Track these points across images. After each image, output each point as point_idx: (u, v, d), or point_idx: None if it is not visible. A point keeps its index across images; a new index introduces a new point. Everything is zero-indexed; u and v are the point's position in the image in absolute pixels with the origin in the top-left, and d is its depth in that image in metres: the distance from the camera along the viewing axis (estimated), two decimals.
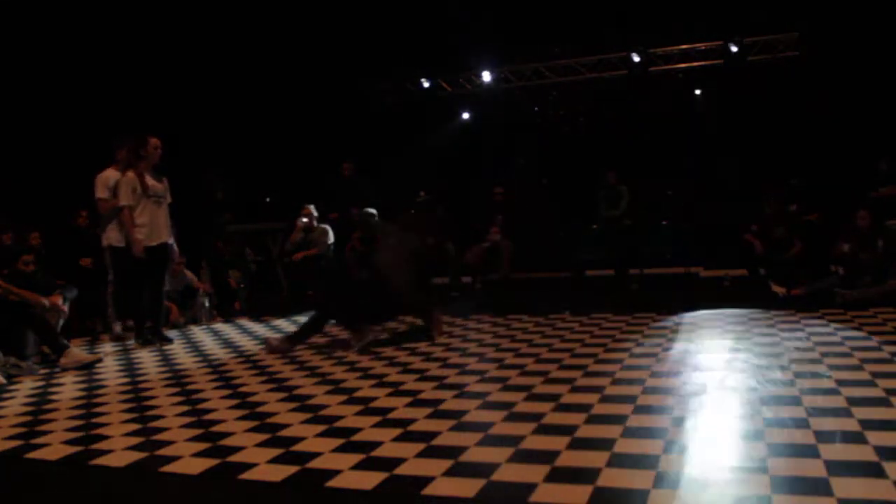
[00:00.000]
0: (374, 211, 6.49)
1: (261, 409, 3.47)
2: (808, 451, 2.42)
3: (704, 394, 3.31)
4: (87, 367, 4.86)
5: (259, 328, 6.56)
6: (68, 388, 4.27)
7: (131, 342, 5.98)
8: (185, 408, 3.59)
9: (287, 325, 6.55)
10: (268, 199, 11.46)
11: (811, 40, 9.49)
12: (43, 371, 4.83)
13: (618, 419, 2.91)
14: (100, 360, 5.07)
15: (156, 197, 5.82)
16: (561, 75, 11.21)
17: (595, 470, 2.36)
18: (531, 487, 2.25)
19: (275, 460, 2.68)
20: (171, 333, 6.20)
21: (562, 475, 2.35)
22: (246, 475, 2.55)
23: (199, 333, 6.44)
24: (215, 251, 8.20)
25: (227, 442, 2.94)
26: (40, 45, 8.32)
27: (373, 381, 3.94)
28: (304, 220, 7.83)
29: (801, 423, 2.72)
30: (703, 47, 10.36)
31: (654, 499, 2.12)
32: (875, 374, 3.42)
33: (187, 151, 7.73)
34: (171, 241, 6.01)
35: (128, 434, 3.16)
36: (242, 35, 9.45)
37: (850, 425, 2.67)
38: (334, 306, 5.22)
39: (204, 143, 9.30)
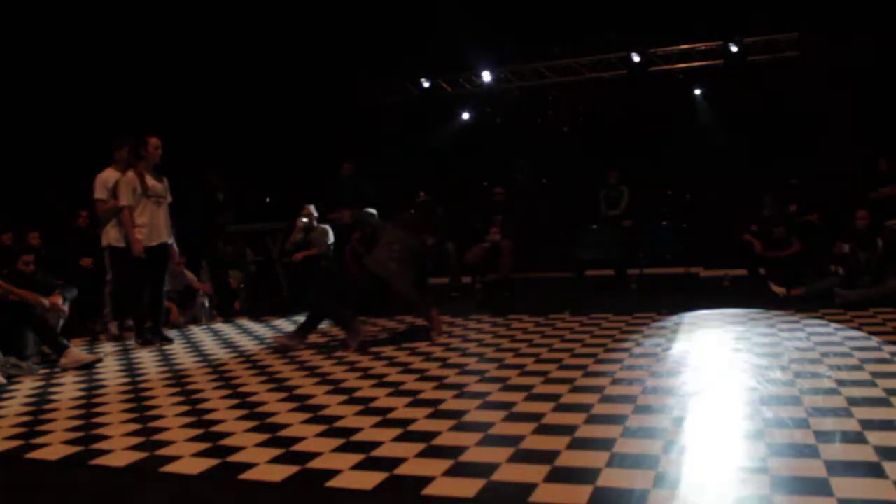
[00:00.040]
0: (374, 211, 6.50)
1: (261, 409, 3.47)
2: (808, 451, 2.42)
3: (704, 394, 3.31)
4: (87, 367, 4.86)
5: (259, 328, 6.56)
6: (68, 388, 4.27)
7: (131, 342, 5.98)
8: (185, 408, 3.59)
9: (287, 325, 6.55)
10: (268, 199, 11.46)
11: (811, 40, 9.49)
12: (43, 371, 4.83)
13: (618, 419, 2.91)
14: (100, 360, 5.07)
15: (156, 197, 5.82)
16: (561, 75, 11.21)
17: (595, 470, 2.36)
18: (531, 487, 2.25)
19: (275, 460, 2.68)
20: (171, 333, 6.20)
21: (562, 475, 2.35)
22: (246, 475, 2.55)
23: (199, 333, 6.44)
24: (215, 251, 8.20)
25: (227, 442, 2.94)
26: (41, 45, 8.32)
27: (373, 381, 3.94)
28: (304, 220, 7.84)
29: (801, 423, 2.72)
30: (703, 47, 10.36)
31: (654, 499, 2.12)
32: (875, 374, 3.42)
33: (188, 151, 7.72)
34: (171, 241, 6.01)
35: (128, 434, 3.16)
36: (242, 35, 9.45)
37: (850, 425, 2.67)
38: (325, 303, 5.22)
39: (204, 143, 9.30)
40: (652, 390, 3.38)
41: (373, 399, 3.53)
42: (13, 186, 7.82)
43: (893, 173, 7.89)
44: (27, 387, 4.36)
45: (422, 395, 3.55)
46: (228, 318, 7.40)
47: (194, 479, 2.56)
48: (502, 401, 3.33)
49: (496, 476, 2.38)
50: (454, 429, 2.95)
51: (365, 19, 9.61)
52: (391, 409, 3.30)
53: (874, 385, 3.24)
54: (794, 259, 6.96)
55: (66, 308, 5.58)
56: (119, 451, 2.91)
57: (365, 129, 11.12)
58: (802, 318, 5.18)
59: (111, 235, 6.03)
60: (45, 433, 3.27)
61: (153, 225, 5.77)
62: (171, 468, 2.68)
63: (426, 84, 11.57)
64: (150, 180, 5.79)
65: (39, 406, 3.82)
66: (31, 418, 3.56)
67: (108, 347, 5.89)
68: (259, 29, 9.49)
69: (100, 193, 6.09)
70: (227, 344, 5.69)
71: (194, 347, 5.62)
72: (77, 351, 5.08)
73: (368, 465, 2.57)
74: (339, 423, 3.12)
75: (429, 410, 3.25)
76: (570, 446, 2.62)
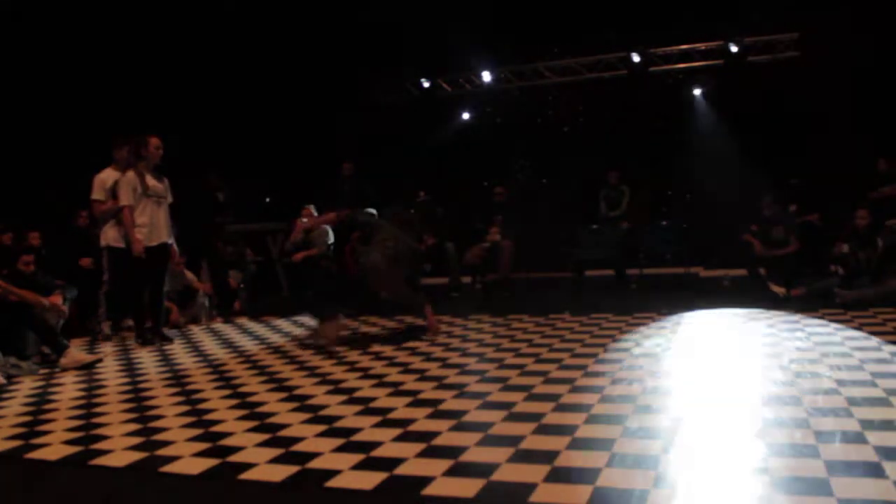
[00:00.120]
0: (374, 211, 6.49)
1: (261, 409, 3.47)
2: (808, 451, 2.42)
3: (704, 394, 3.31)
4: (87, 367, 4.86)
5: (259, 328, 6.55)
6: (68, 388, 4.27)
7: (131, 342, 5.98)
8: (185, 408, 3.59)
9: (287, 325, 6.55)
10: (268, 200, 11.46)
11: (811, 40, 9.49)
12: (43, 371, 4.83)
13: (618, 419, 2.91)
14: (100, 360, 5.07)
15: (156, 197, 5.82)
16: (561, 75, 11.21)
17: (595, 470, 2.36)
18: (531, 487, 2.25)
19: (275, 460, 2.68)
20: (171, 333, 6.20)
21: (562, 475, 2.35)
22: (246, 475, 2.55)
23: (199, 333, 6.44)
24: (215, 251, 8.20)
25: (227, 442, 2.94)
26: (41, 45, 8.32)
27: (373, 381, 3.94)
28: (304, 220, 7.84)
29: (801, 423, 2.72)
30: (703, 47, 10.36)
31: (654, 499, 2.12)
32: (875, 374, 3.42)
33: (188, 151, 7.72)
34: (171, 241, 6.01)
35: (128, 434, 3.16)
36: (243, 35, 9.45)
37: (850, 425, 2.67)
38: (311, 297, 5.24)
39: (204, 143, 9.30)
40: (652, 390, 3.38)
41: (373, 399, 3.53)
42: (13, 186, 7.82)
43: (893, 173, 7.89)
44: (27, 387, 4.36)
45: (422, 395, 3.55)
46: (228, 318, 7.40)
47: (194, 479, 2.56)
48: (502, 401, 3.33)
49: (496, 476, 2.38)
50: (454, 429, 2.95)
51: (365, 19, 9.61)
52: (391, 409, 3.30)
53: (874, 385, 3.24)
54: (793, 259, 6.96)
55: (66, 308, 5.58)
56: (119, 451, 2.91)
57: (365, 129, 11.11)
58: (802, 318, 5.18)
59: (109, 236, 6.03)
60: (45, 433, 3.27)
61: (153, 225, 5.77)
62: (171, 468, 2.68)
63: (426, 84, 11.57)
64: (151, 180, 5.79)
65: (39, 406, 3.82)
66: (31, 418, 3.56)
67: (108, 347, 5.89)
68: (259, 29, 9.49)
69: (97, 194, 6.09)
70: (227, 344, 5.69)
71: (194, 347, 5.62)
72: (77, 351, 5.08)
73: (368, 465, 2.57)
74: (339, 423, 3.12)
75: (429, 410, 3.25)
76: (570, 446, 2.62)
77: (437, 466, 2.50)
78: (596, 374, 3.76)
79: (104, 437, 3.12)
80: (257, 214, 9.99)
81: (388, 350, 4.92)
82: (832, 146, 8.74)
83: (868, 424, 2.67)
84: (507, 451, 2.60)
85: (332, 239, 7.93)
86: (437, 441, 2.79)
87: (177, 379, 4.36)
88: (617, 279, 8.72)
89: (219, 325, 6.93)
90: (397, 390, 3.69)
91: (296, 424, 3.14)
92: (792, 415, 2.84)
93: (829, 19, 8.87)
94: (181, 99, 9.11)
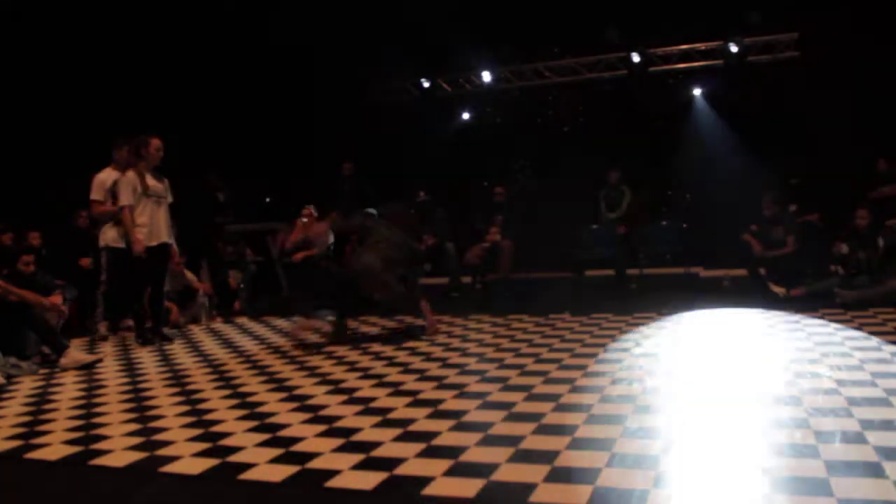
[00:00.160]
0: (374, 211, 6.49)
1: (261, 409, 3.47)
2: (808, 451, 2.42)
3: (704, 394, 3.31)
4: (87, 367, 4.86)
5: (259, 328, 6.55)
6: (68, 388, 4.27)
7: (131, 342, 5.98)
8: (185, 408, 3.59)
9: (287, 325, 6.55)
10: (268, 200, 11.46)
11: (811, 40, 9.49)
12: (43, 371, 4.83)
13: (618, 419, 2.91)
14: (100, 360, 5.07)
15: (156, 197, 5.82)
16: (561, 75, 11.21)
17: (595, 470, 2.36)
18: (531, 487, 2.25)
19: (275, 460, 2.68)
20: (171, 333, 6.20)
21: (562, 475, 2.35)
22: (246, 475, 2.55)
23: (199, 333, 6.44)
24: (215, 251, 8.20)
25: (227, 442, 2.94)
26: (41, 45, 8.32)
27: (373, 381, 3.94)
28: (305, 220, 7.84)
29: (801, 423, 2.72)
30: (703, 47, 10.36)
31: (654, 499, 2.12)
32: (875, 374, 3.42)
33: (188, 151, 7.72)
34: (171, 241, 6.01)
35: (128, 434, 3.16)
36: (243, 35, 9.45)
37: (850, 425, 2.67)
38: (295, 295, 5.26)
39: (204, 143, 9.30)
40: (652, 390, 3.38)
41: (373, 399, 3.53)
42: (13, 186, 7.82)
43: (893, 173, 7.89)
44: (27, 387, 4.36)
45: (422, 395, 3.55)
46: (228, 318, 7.40)
47: (194, 479, 2.56)
48: (502, 401, 3.33)
49: (496, 476, 2.38)
50: (454, 429, 2.95)
51: (365, 19, 9.61)
52: (391, 409, 3.30)
53: (874, 385, 3.24)
54: (792, 259, 6.95)
55: (65, 308, 5.58)
56: (119, 451, 2.91)
57: (365, 129, 11.11)
58: (802, 318, 5.18)
59: (108, 236, 6.03)
60: (45, 433, 3.27)
61: (153, 225, 5.78)
62: (171, 468, 2.68)
63: (426, 84, 11.57)
64: (151, 180, 5.79)
65: (39, 406, 3.82)
66: (31, 418, 3.56)
67: (108, 347, 5.88)
68: (259, 29, 9.48)
69: (96, 194, 6.09)
70: (227, 344, 5.69)
71: (194, 347, 5.62)
72: (77, 351, 5.08)
73: (368, 465, 2.57)
74: (339, 423, 3.12)
75: (429, 410, 3.25)
76: (570, 446, 2.62)
77: (437, 466, 2.50)
78: (596, 374, 3.76)
79: (104, 437, 3.12)
80: (257, 214, 9.99)
81: (388, 350, 4.92)
82: (832, 146, 8.74)
83: (868, 424, 2.67)
84: (507, 451, 2.60)
85: (332, 239, 7.93)
86: (437, 441, 2.79)
87: (177, 379, 4.36)
88: (617, 279, 8.72)
89: (219, 325, 6.93)
90: (397, 390, 3.69)
91: (296, 424, 3.14)
92: (792, 415, 2.84)
93: (829, 19, 8.87)
94: (181, 99, 9.12)
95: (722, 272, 8.24)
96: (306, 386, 3.93)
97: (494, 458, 2.53)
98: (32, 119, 8.26)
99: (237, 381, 4.16)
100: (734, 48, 9.96)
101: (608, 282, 8.70)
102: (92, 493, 2.58)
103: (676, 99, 10.79)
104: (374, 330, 5.91)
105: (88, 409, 3.67)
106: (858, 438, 2.53)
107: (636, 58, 10.41)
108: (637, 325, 5.33)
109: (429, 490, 2.31)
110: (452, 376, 3.95)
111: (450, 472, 2.44)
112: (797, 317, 5.26)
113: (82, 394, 4.07)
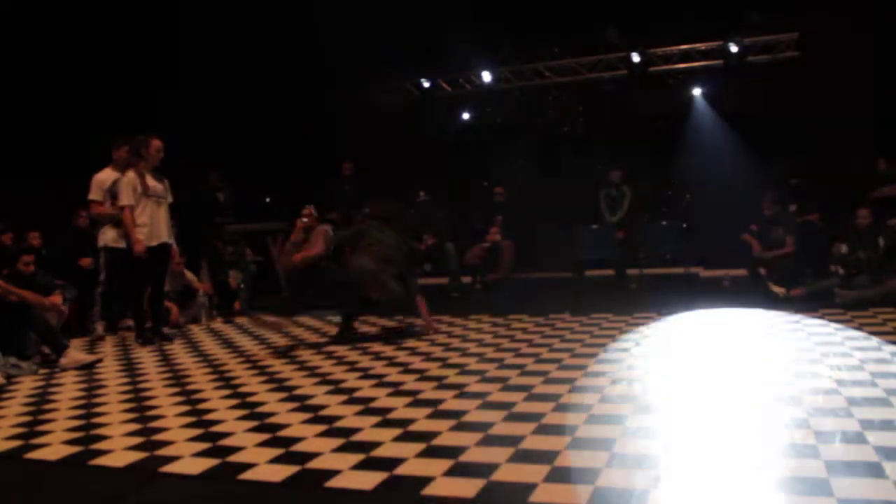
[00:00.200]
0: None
1: (261, 409, 3.47)
2: (808, 451, 2.42)
3: (704, 394, 3.31)
4: (87, 367, 4.86)
5: (259, 328, 6.55)
6: (68, 388, 4.27)
7: (131, 342, 5.98)
8: (185, 408, 3.59)
9: (287, 325, 6.55)
10: (268, 200, 11.46)
11: (811, 40, 9.49)
12: (43, 371, 4.83)
13: (618, 419, 2.91)
14: (100, 360, 5.07)
15: (156, 197, 5.82)
16: (561, 75, 11.21)
17: (595, 470, 2.36)
18: (531, 487, 2.25)
19: (275, 460, 2.68)
20: (171, 333, 6.20)
21: (562, 475, 2.35)
22: (246, 475, 2.55)
23: (199, 333, 6.44)
24: (215, 251, 8.20)
25: (227, 442, 2.94)
26: (42, 45, 8.32)
27: (373, 382, 3.93)
28: (305, 220, 7.83)
29: (801, 423, 2.72)
30: (703, 47, 10.36)
31: (654, 499, 2.12)
32: (875, 374, 3.42)
33: (188, 152, 7.72)
34: (171, 241, 6.01)
35: (128, 434, 3.15)
36: (242, 35, 9.45)
37: (850, 425, 2.67)
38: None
39: (204, 143, 9.30)
40: (652, 390, 3.38)
41: (373, 399, 3.53)
42: (13, 186, 7.82)
43: (893, 173, 7.89)
44: (27, 387, 4.36)
45: (422, 395, 3.55)
46: (228, 318, 7.40)
47: (194, 479, 2.56)
48: (502, 401, 3.33)
49: (496, 476, 2.38)
50: (454, 429, 2.95)
51: (365, 19, 9.61)
52: (391, 409, 3.30)
53: (874, 385, 3.24)
54: (791, 259, 6.95)
55: (65, 308, 5.58)
56: (119, 451, 2.91)
57: (365, 129, 11.11)
58: (802, 318, 5.18)
59: (107, 236, 6.04)
60: (45, 433, 3.26)
61: (154, 225, 5.77)
62: (171, 468, 2.68)
63: (426, 84, 11.57)
64: (151, 180, 5.79)
65: (39, 406, 3.82)
66: (31, 418, 3.56)
67: (108, 347, 5.88)
68: (259, 29, 9.48)
69: (94, 194, 6.09)
70: (227, 344, 5.69)
71: (194, 347, 5.62)
72: (77, 351, 5.08)
73: (368, 465, 2.57)
74: (339, 423, 3.12)
75: (429, 410, 3.25)
76: (570, 446, 2.62)
77: (437, 466, 2.50)
78: (596, 374, 3.76)
79: (104, 437, 3.12)
80: (257, 214, 10.00)
81: (388, 350, 4.92)
82: (832, 146, 8.75)
83: (868, 424, 2.67)
84: (507, 451, 2.60)
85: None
86: (437, 441, 2.79)
87: (177, 379, 4.36)
88: (617, 279, 8.73)
89: (219, 325, 6.93)
90: (397, 390, 3.69)
91: (296, 424, 3.14)
92: (792, 415, 2.84)
93: (829, 19, 8.87)
94: (182, 99, 9.11)
95: (722, 272, 8.24)
96: (306, 386, 3.93)
97: (494, 458, 2.53)
98: (32, 119, 8.26)
99: (237, 381, 4.16)
100: (734, 48, 9.96)
101: (608, 282, 8.70)
102: (92, 493, 2.58)
103: (676, 99, 10.79)
104: (374, 330, 5.91)
105: (88, 409, 3.67)
106: (858, 438, 2.53)
107: (636, 58, 10.40)
108: (637, 325, 5.33)
109: (429, 490, 2.31)
110: (452, 376, 3.95)
111: (450, 472, 2.44)
112: (797, 317, 5.26)
113: (82, 394, 4.07)
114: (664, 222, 9.26)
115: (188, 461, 2.74)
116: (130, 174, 5.75)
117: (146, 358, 5.22)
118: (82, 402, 3.87)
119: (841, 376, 3.42)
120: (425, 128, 11.61)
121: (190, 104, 9.17)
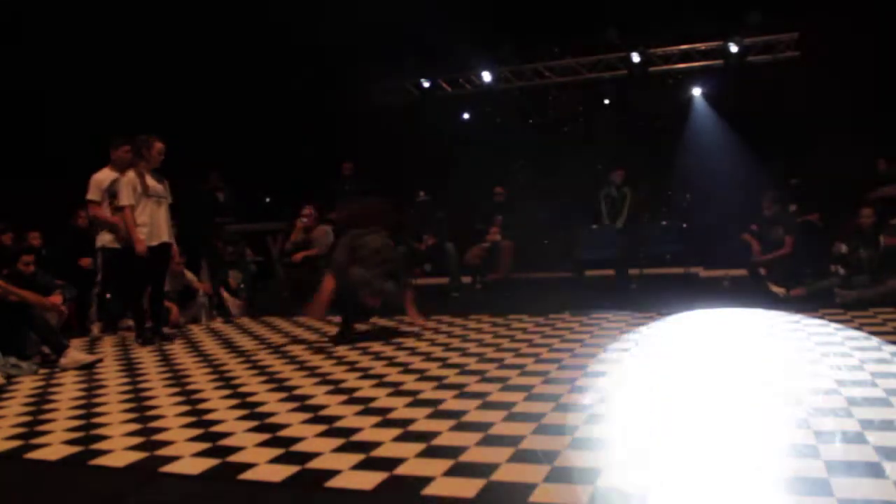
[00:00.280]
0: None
1: (261, 409, 3.47)
2: (808, 451, 2.42)
3: (704, 394, 3.31)
4: (87, 367, 4.85)
5: (259, 328, 6.55)
6: (68, 388, 4.27)
7: (131, 342, 5.98)
8: (185, 408, 3.59)
9: (287, 325, 6.55)
10: (268, 200, 11.47)
11: (811, 40, 9.49)
12: (43, 371, 4.83)
13: (618, 419, 2.91)
14: (100, 360, 5.07)
15: (156, 197, 5.82)
16: (561, 75, 11.22)
17: (595, 470, 2.36)
18: (531, 487, 2.25)
19: (275, 460, 2.68)
20: (171, 333, 6.20)
21: (562, 475, 2.35)
22: (246, 475, 2.55)
23: (199, 333, 6.44)
24: (215, 251, 8.21)
25: (227, 442, 2.94)
26: (42, 44, 8.32)
27: (373, 381, 3.93)
28: (305, 220, 7.84)
29: (801, 423, 2.72)
30: (703, 47, 10.37)
31: (655, 499, 2.12)
32: (875, 374, 3.42)
33: (188, 152, 7.72)
34: (171, 241, 6.01)
35: (128, 434, 3.15)
36: (243, 35, 9.46)
37: (850, 425, 2.67)
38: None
39: (204, 143, 9.30)
40: (652, 390, 3.38)
41: (373, 399, 3.53)
42: (13, 186, 7.82)
43: (893, 173, 7.89)
44: (27, 387, 4.36)
45: (422, 395, 3.55)
46: (228, 318, 7.39)
47: (194, 479, 2.56)
48: (502, 401, 3.33)
49: (496, 476, 2.38)
50: (454, 429, 2.95)
51: (365, 19, 9.61)
52: (391, 409, 3.30)
53: (874, 385, 3.24)
54: (788, 259, 6.95)
55: (65, 308, 5.58)
56: (119, 451, 2.91)
57: (365, 129, 11.12)
58: (802, 318, 5.18)
59: (105, 237, 6.05)
60: (45, 433, 3.26)
61: (154, 224, 5.77)
62: (171, 468, 2.67)
63: (426, 84, 11.57)
64: (151, 180, 5.79)
65: (39, 406, 3.82)
66: (31, 418, 3.56)
67: (108, 347, 5.88)
68: (259, 29, 9.49)
69: (93, 195, 6.09)
70: (227, 344, 5.69)
71: (194, 347, 5.62)
72: (77, 351, 5.08)
73: (368, 465, 2.57)
74: (339, 423, 3.12)
75: (429, 410, 3.25)
76: (570, 446, 2.62)
77: (437, 466, 2.50)
78: (596, 375, 3.76)
79: (104, 437, 3.12)
80: (257, 214, 10.00)
81: (388, 350, 4.92)
82: (832, 146, 8.75)
83: (868, 424, 2.67)
84: (507, 451, 2.60)
85: (332, 239, 7.93)
86: (437, 441, 2.79)
87: (177, 379, 4.36)
88: (617, 279, 8.73)
89: (219, 325, 6.93)
90: (397, 390, 3.69)
91: (296, 424, 3.14)
92: (792, 415, 2.84)
93: (829, 19, 8.87)
94: (182, 99, 9.12)
95: (722, 272, 8.24)
96: (306, 386, 3.93)
97: (494, 458, 2.53)
98: (33, 119, 8.26)
99: (237, 381, 4.16)
100: (734, 48, 9.96)
101: (608, 282, 8.70)
102: (92, 493, 2.58)
103: (676, 99, 10.80)
104: (373, 330, 5.91)
105: (88, 409, 3.67)
106: (858, 438, 2.53)
107: (636, 58, 10.41)
108: (637, 325, 5.33)
109: (429, 490, 2.31)
110: (452, 376, 3.95)
111: (450, 472, 2.44)
112: (797, 317, 5.26)
113: (82, 394, 4.07)
114: (664, 222, 9.26)
115: (188, 461, 2.74)
116: (130, 174, 5.75)
117: (146, 358, 5.22)
118: (82, 402, 3.87)
119: (841, 376, 3.42)
120: (425, 128, 11.61)
121: (190, 104, 9.18)
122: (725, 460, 2.43)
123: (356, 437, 2.90)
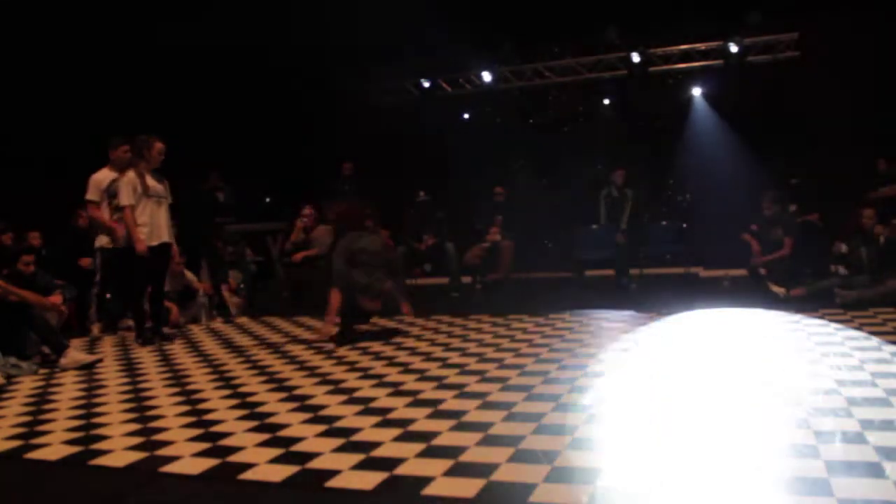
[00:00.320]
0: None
1: (261, 409, 3.47)
2: (808, 451, 2.42)
3: (704, 395, 3.31)
4: (87, 367, 4.86)
5: (259, 328, 6.55)
6: (68, 388, 4.27)
7: (131, 342, 5.98)
8: (185, 408, 3.59)
9: (287, 325, 6.55)
10: (268, 200, 11.47)
11: (811, 40, 9.50)
12: (43, 371, 4.83)
13: (618, 419, 2.91)
14: (100, 360, 5.07)
15: (156, 197, 5.82)
16: (561, 75, 11.21)
17: (595, 470, 2.36)
18: (531, 487, 2.25)
19: (275, 460, 2.68)
20: (171, 333, 6.20)
21: (562, 475, 2.35)
22: (246, 475, 2.55)
23: (199, 333, 6.44)
24: (215, 251, 8.21)
25: (227, 442, 2.94)
26: (42, 45, 8.32)
27: (373, 381, 3.93)
28: (305, 220, 7.85)
29: (801, 423, 2.72)
30: (703, 47, 10.37)
31: (655, 499, 2.12)
32: (875, 374, 3.42)
33: (188, 152, 7.72)
34: (171, 241, 6.02)
35: (128, 434, 3.15)
36: (242, 35, 9.45)
37: (850, 425, 2.67)
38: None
39: (204, 143, 9.30)
40: (652, 390, 3.38)
41: (373, 399, 3.53)
42: (13, 186, 7.83)
43: (893, 173, 7.89)
44: (27, 387, 4.36)
45: (422, 395, 3.55)
46: (228, 318, 7.39)
47: (194, 479, 2.56)
48: (502, 401, 3.33)
49: (496, 476, 2.38)
50: (454, 429, 2.95)
51: (365, 19, 9.61)
52: (391, 409, 3.30)
53: (874, 385, 3.24)
54: (789, 260, 6.95)
55: (65, 308, 5.58)
56: (119, 451, 2.91)
57: (365, 129, 11.11)
58: (802, 318, 5.18)
59: (104, 238, 6.04)
60: (45, 433, 3.26)
61: (154, 224, 5.78)
62: (171, 468, 2.68)
63: (426, 84, 11.57)
64: (151, 180, 5.79)
65: (39, 406, 3.82)
66: (31, 418, 3.56)
67: (108, 347, 5.88)
68: (259, 29, 9.49)
69: (92, 195, 6.10)
70: (227, 344, 5.69)
71: (194, 347, 5.62)
72: (77, 351, 5.08)
73: (368, 465, 2.57)
74: (339, 423, 3.12)
75: (429, 410, 3.25)
76: (570, 446, 2.62)
77: (437, 466, 2.50)
78: (596, 375, 3.76)
79: (104, 437, 3.12)
80: (257, 214, 10.00)
81: (388, 350, 4.92)
82: (832, 146, 8.76)
83: (868, 424, 2.67)
84: (507, 451, 2.60)
85: (332, 239, 7.94)
86: (437, 441, 2.79)
87: (177, 379, 4.36)
88: (617, 279, 8.72)
89: (219, 325, 6.93)
90: (397, 390, 3.69)
91: (296, 424, 3.14)
92: (792, 415, 2.84)
93: (829, 19, 8.88)
94: (182, 99, 9.12)
95: (722, 272, 8.24)
96: (306, 386, 3.93)
97: (494, 458, 2.53)
98: (33, 119, 8.26)
99: (237, 381, 4.16)
100: (734, 48, 9.96)
101: (608, 282, 8.70)
102: (92, 493, 2.58)
103: (676, 99, 10.80)
104: (374, 330, 5.90)
105: (88, 409, 3.67)
106: (858, 438, 2.53)
107: (636, 58, 10.41)
108: (637, 325, 5.33)
109: (429, 490, 2.31)
110: (452, 376, 3.95)
111: (450, 472, 2.44)
112: (797, 317, 5.26)
113: (82, 394, 4.07)
114: (664, 222, 9.27)
115: (188, 461, 2.74)
116: (130, 174, 5.75)
117: (146, 358, 5.22)
118: (82, 402, 3.87)
119: (841, 376, 3.42)
120: (425, 128, 11.61)
121: (190, 104, 9.17)
122: (725, 460, 2.43)
123: (356, 437, 2.90)
